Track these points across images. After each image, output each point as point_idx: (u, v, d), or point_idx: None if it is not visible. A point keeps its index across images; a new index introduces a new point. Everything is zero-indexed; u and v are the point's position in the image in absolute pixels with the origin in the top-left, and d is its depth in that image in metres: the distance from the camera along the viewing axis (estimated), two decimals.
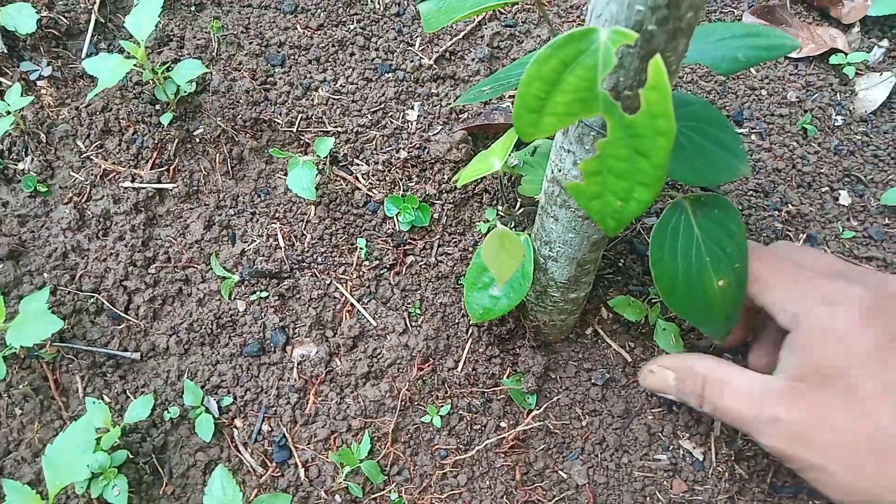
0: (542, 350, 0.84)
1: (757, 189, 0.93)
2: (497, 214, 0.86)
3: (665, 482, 0.78)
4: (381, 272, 0.85)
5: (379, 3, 0.99)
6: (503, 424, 0.80)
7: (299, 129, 0.90)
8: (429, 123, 0.92)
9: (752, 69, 1.04)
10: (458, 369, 0.81)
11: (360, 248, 0.85)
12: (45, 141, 0.86)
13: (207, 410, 0.76)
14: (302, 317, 0.82)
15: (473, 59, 0.97)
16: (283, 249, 0.85)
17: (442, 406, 0.79)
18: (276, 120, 0.90)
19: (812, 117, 0.98)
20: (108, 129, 0.88)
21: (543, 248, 0.72)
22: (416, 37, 0.98)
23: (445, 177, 0.88)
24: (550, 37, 0.45)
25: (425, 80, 0.95)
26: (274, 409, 0.78)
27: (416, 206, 0.86)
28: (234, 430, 0.78)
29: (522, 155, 0.82)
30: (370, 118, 0.91)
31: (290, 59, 0.94)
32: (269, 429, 0.78)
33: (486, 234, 0.87)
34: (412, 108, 0.93)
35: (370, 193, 0.88)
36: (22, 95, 0.82)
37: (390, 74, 0.94)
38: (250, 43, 0.94)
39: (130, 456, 0.72)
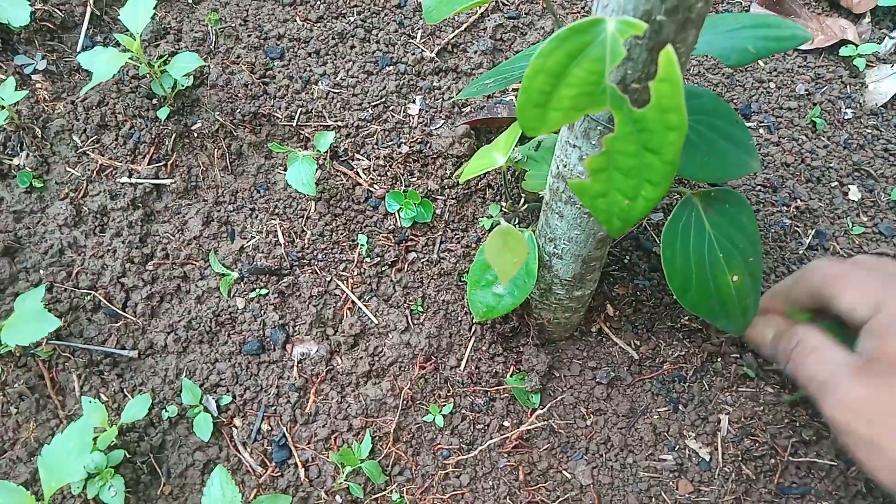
0: (546, 348, 0.83)
1: (765, 184, 0.91)
2: (500, 210, 0.85)
3: (671, 483, 0.77)
4: (383, 269, 0.84)
5: None
6: (506, 424, 0.79)
7: (299, 123, 0.88)
8: (431, 117, 0.90)
9: (759, 61, 1.02)
10: (461, 368, 0.80)
11: (362, 245, 0.84)
12: (40, 136, 0.85)
13: (206, 409, 0.75)
14: (302, 314, 0.81)
15: (476, 52, 0.95)
16: (282, 246, 0.83)
17: (444, 405, 0.78)
18: (276, 114, 0.88)
19: (821, 110, 0.96)
20: (105, 123, 0.86)
21: (548, 245, 0.70)
22: (418, 29, 0.96)
23: (448, 172, 0.87)
24: (555, 28, 0.43)
25: (427, 73, 0.93)
26: (274, 408, 0.77)
27: (418, 201, 0.84)
28: (234, 429, 0.77)
29: (526, 149, 0.80)
30: (371, 112, 0.90)
31: (290, 52, 0.93)
32: (269, 428, 0.77)
33: (489, 230, 0.85)
34: (414, 101, 0.91)
35: (371, 189, 0.86)
36: (16, 89, 0.81)
37: (391, 67, 0.93)
38: (249, 35, 0.92)
39: (128, 455, 0.71)
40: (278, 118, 0.88)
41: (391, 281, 0.83)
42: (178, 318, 0.80)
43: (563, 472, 0.78)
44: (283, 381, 0.78)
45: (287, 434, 0.76)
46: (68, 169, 0.85)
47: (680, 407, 0.81)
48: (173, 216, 0.85)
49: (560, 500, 0.76)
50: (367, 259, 0.83)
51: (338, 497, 0.74)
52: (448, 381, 0.79)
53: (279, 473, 0.75)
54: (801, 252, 0.87)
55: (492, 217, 0.85)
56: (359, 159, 0.88)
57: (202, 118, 0.87)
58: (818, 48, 1.03)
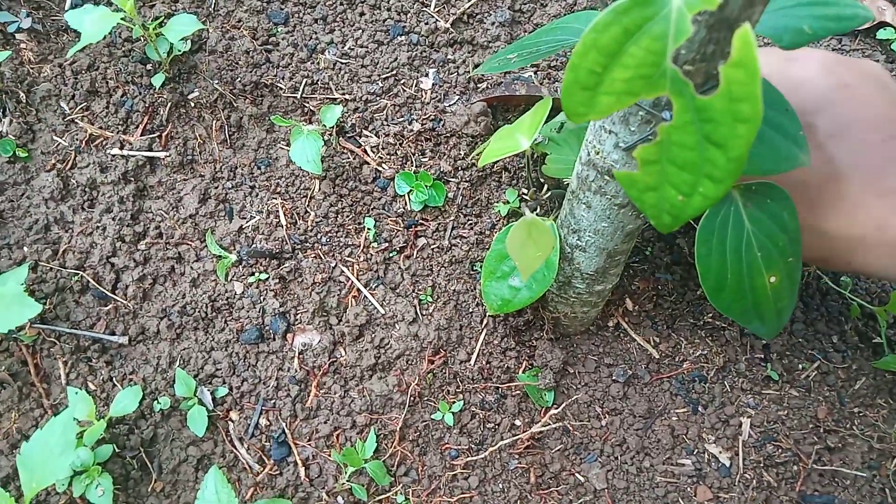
0: (560, 343, 0.78)
1: None
2: (519, 197, 0.80)
3: (689, 489, 0.74)
4: (391, 255, 0.79)
5: None
6: (518, 423, 0.75)
7: (304, 95, 0.82)
8: (444, 93, 0.84)
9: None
10: (472, 362, 0.75)
11: (368, 229, 0.78)
12: (24, 101, 0.79)
13: (201, 402, 0.71)
14: (304, 302, 0.76)
15: (493, 24, 0.89)
16: (284, 228, 0.78)
17: (454, 402, 0.74)
18: (279, 84, 0.82)
19: None
20: (95, 89, 0.80)
21: (571, 237, 0.65)
22: None
23: (462, 152, 0.81)
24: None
25: (441, 44, 0.87)
26: (272, 401, 0.73)
27: (430, 183, 0.79)
28: (230, 423, 0.72)
29: (547, 131, 0.74)
30: (381, 85, 0.83)
31: (295, 18, 0.86)
32: (268, 423, 0.72)
33: (505, 216, 0.80)
34: (426, 75, 0.85)
35: (380, 168, 0.80)
36: None
37: (403, 37, 0.86)
38: None
39: (117, 450, 0.67)
40: (281, 89, 0.82)
41: (399, 268, 0.78)
42: (172, 302, 0.75)
43: (577, 474, 0.74)
44: (283, 372, 0.74)
45: (286, 430, 0.72)
46: (55, 138, 0.79)
47: (700, 408, 0.77)
48: (167, 192, 0.79)
49: None
50: (374, 244, 0.78)
51: (340, 498, 0.70)
52: (458, 376, 0.75)
53: (278, 472, 0.70)
54: None
55: (508, 203, 0.80)
56: (367, 136, 0.82)
57: (200, 87, 0.81)
58: (854, 31, 0.97)
